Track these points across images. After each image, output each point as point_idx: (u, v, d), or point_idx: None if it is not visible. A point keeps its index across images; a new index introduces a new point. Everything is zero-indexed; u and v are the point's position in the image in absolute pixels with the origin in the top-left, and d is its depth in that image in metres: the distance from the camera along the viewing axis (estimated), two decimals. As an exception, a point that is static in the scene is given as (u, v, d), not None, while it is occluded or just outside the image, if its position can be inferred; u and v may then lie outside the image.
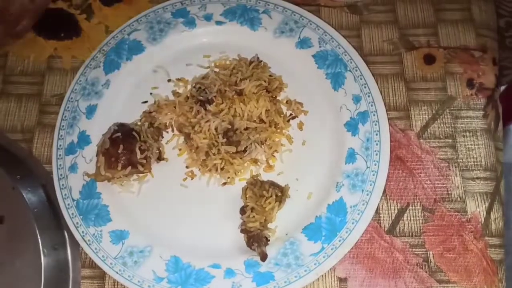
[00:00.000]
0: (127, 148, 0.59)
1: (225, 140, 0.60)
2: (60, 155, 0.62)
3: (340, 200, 0.57)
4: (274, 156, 0.61)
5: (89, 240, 0.57)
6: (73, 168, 0.61)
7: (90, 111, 0.64)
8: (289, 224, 0.58)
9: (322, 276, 0.56)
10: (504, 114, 0.65)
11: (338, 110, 0.62)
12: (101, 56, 0.67)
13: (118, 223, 0.58)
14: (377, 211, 0.59)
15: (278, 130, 0.62)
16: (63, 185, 0.60)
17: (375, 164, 0.58)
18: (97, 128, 0.63)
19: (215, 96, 0.62)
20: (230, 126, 0.61)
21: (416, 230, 0.58)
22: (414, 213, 0.59)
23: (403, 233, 0.58)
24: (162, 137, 0.64)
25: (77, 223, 0.58)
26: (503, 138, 0.64)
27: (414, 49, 0.67)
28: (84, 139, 0.62)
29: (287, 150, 0.62)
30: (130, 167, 0.59)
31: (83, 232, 0.58)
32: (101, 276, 0.58)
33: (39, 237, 0.56)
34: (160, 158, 0.62)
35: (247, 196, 0.57)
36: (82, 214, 0.59)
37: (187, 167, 0.62)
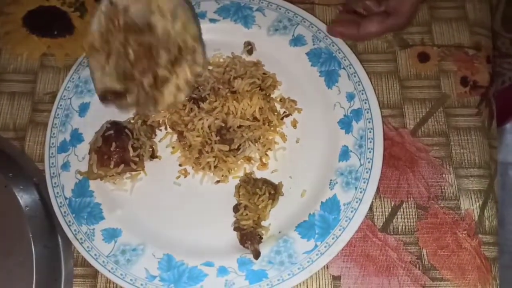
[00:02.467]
0: (119, 146, 0.58)
1: (218, 138, 0.60)
2: (52, 153, 0.61)
3: (334, 198, 0.57)
4: (267, 154, 0.61)
5: (81, 239, 0.57)
6: (65, 166, 0.61)
7: (83, 109, 0.64)
8: (282, 222, 0.57)
9: (316, 274, 0.56)
10: (499, 114, 0.65)
11: (332, 107, 0.62)
12: (94, 54, 0.66)
13: (110, 221, 0.58)
14: (371, 209, 0.59)
15: (272, 128, 0.62)
16: (55, 183, 0.60)
17: (369, 162, 0.58)
18: (90, 126, 0.62)
19: (208, 94, 0.62)
20: (223, 124, 0.61)
21: (409, 228, 0.58)
22: (407, 211, 0.59)
23: (397, 231, 0.58)
24: (155, 135, 0.63)
25: (70, 221, 0.58)
26: (498, 138, 0.64)
27: (408, 47, 0.67)
28: (76, 137, 0.62)
29: (281, 148, 0.62)
30: (122, 165, 0.58)
31: (75, 230, 0.57)
32: (94, 274, 0.57)
33: (31, 235, 0.56)
34: (153, 156, 0.62)
35: (240, 194, 0.57)
36: (75, 212, 0.58)
37: (180, 165, 0.61)
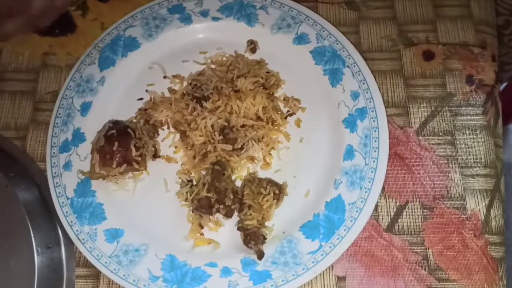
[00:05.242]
0: (122, 146, 0.58)
1: (221, 137, 0.59)
2: (54, 152, 0.61)
3: (338, 198, 0.56)
4: (271, 153, 0.61)
5: (83, 239, 0.56)
6: (67, 166, 0.60)
7: (85, 108, 0.63)
8: (286, 222, 0.57)
9: (320, 274, 0.55)
10: (503, 113, 0.64)
11: (336, 106, 0.61)
12: (96, 53, 0.66)
13: (113, 221, 0.58)
14: (376, 209, 0.58)
15: (275, 127, 0.62)
16: (57, 183, 0.59)
17: (374, 161, 0.57)
18: (92, 126, 0.62)
19: (211, 93, 0.61)
20: (226, 124, 0.60)
21: (415, 228, 0.57)
22: (413, 210, 0.58)
23: (402, 231, 0.57)
24: (158, 135, 0.63)
25: (72, 221, 0.57)
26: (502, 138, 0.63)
27: (412, 45, 0.67)
28: (78, 137, 0.62)
29: (285, 147, 0.61)
30: (125, 165, 0.58)
31: (77, 230, 0.57)
32: (96, 275, 0.57)
33: (32, 235, 0.56)
34: (155, 155, 0.61)
35: (244, 193, 0.57)
36: (77, 212, 0.58)
37: (183, 164, 0.61)
